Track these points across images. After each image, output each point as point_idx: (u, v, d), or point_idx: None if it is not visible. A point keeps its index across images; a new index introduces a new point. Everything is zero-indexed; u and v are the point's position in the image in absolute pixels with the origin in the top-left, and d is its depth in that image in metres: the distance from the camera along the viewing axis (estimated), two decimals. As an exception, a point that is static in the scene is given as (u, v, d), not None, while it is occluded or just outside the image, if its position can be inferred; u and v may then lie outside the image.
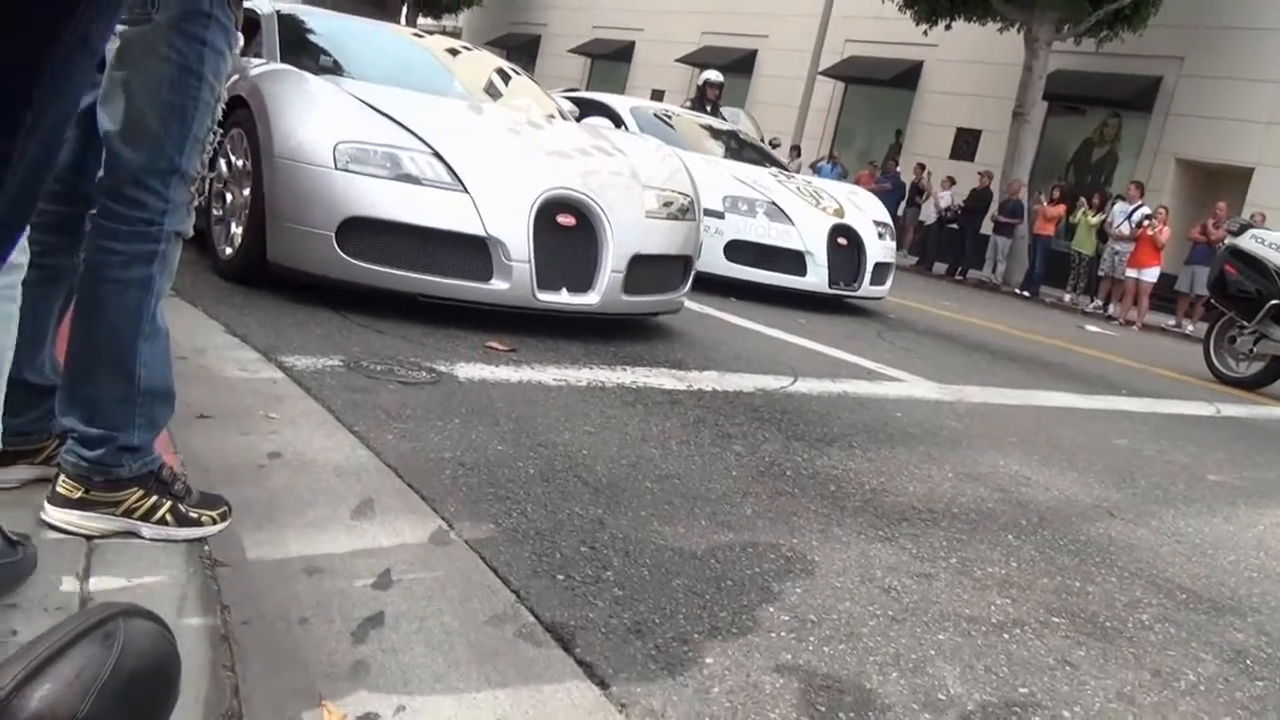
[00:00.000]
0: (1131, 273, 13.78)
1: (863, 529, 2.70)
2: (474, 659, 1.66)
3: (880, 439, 3.76)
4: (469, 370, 3.62)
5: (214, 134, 1.74)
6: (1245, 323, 7.64)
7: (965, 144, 20.01)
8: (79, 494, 1.64)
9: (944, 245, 17.29)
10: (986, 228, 16.55)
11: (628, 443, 3.10)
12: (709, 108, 10.99)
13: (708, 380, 4.22)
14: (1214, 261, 9.46)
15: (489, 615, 1.82)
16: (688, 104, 11.58)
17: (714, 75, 11.58)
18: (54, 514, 1.62)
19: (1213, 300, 8.22)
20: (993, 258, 16.21)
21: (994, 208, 16.49)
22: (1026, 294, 15.27)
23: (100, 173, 1.64)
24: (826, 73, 20.62)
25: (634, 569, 2.17)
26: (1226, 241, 8.76)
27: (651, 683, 1.71)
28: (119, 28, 1.60)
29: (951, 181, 17.63)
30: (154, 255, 1.65)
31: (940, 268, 16.97)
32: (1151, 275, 13.64)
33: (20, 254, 1.30)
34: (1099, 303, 14.74)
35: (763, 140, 11.24)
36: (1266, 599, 2.78)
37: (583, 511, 2.45)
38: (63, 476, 1.65)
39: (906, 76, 20.90)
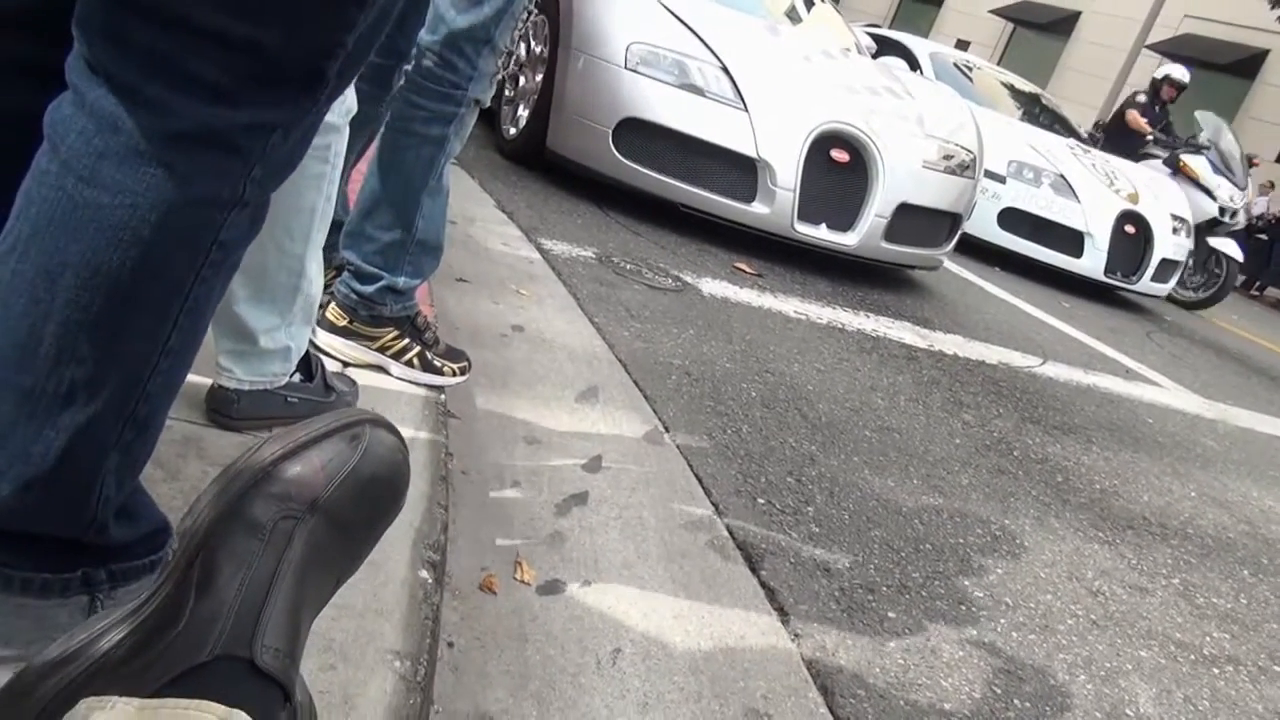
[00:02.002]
0: None
1: (1082, 526, 2.57)
2: (663, 556, 1.72)
3: (1123, 440, 3.53)
4: (713, 286, 3.65)
5: (529, 14, 1.82)
6: None
7: (1298, 149, 18.00)
8: (344, 323, 1.79)
9: (1246, 254, 15.74)
10: (1300, 244, 14.94)
11: (855, 388, 3.06)
12: (1159, 108, 9.29)
13: (951, 344, 4.08)
14: None
15: (685, 520, 1.87)
16: (1140, 97, 9.50)
17: (1177, 72, 9.38)
18: (321, 336, 1.79)
19: None
20: (1300, 278, 14.65)
21: (1315, 224, 14.83)
22: (1331, 325, 13.74)
23: (423, 32, 1.75)
24: (1154, 47, 18.93)
25: (835, 510, 2.16)
26: None
27: (829, 622, 1.72)
28: None
29: (1271, 186, 15.95)
30: (453, 117, 1.76)
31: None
32: None
33: (341, 116, 1.41)
34: None
35: (1242, 161, 9.21)
36: None
37: (796, 444, 2.46)
38: (334, 304, 1.80)
39: (1246, 64, 18.91)
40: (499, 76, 1.85)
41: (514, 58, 4.74)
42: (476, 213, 3.47)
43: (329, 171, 1.42)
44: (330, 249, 1.94)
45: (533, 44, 4.65)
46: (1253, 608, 2.45)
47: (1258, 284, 15.07)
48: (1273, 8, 15.73)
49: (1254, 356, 7.48)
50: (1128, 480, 3.09)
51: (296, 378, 1.51)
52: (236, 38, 0.75)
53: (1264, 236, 15.52)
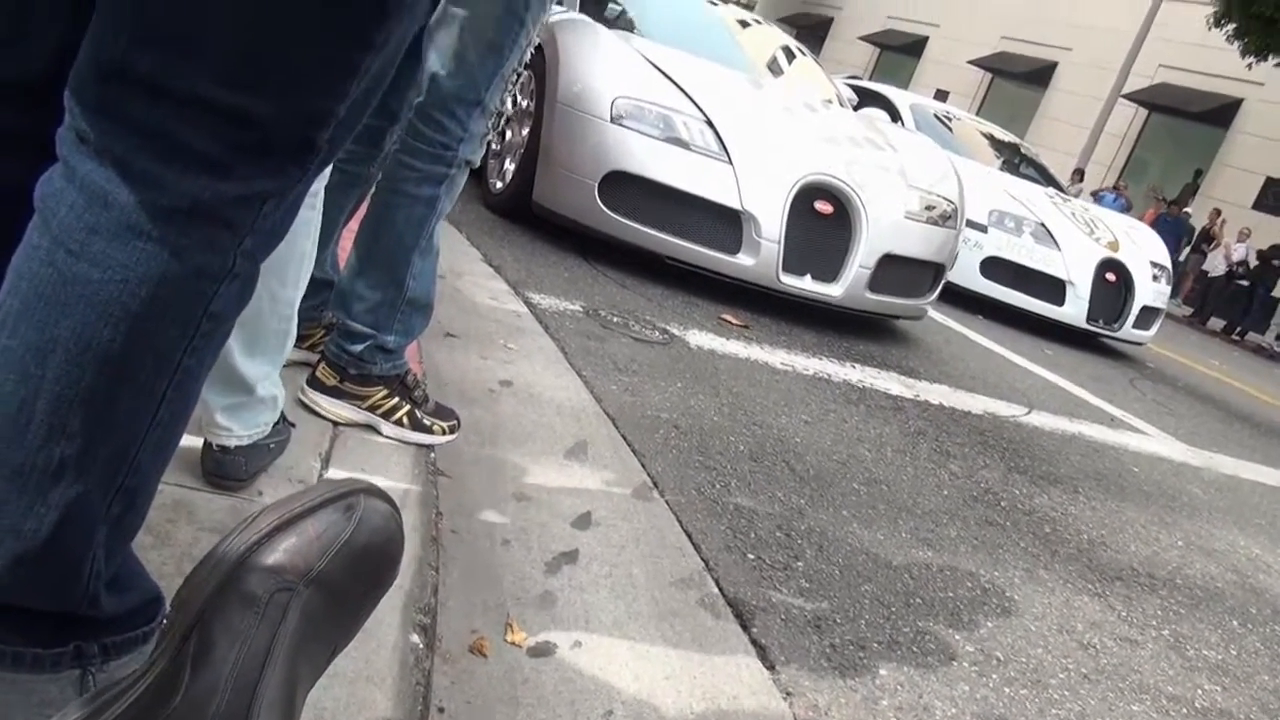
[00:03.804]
0: None
1: (1071, 578, 2.57)
2: (653, 614, 1.71)
3: (1110, 490, 3.55)
4: (700, 338, 3.67)
5: (518, 75, 1.85)
6: None
7: (1273, 196, 18.26)
8: (333, 382, 1.80)
9: (1226, 300, 15.94)
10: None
11: (842, 440, 3.07)
12: None
13: (937, 393, 4.10)
14: None
15: (675, 577, 1.86)
16: None
17: None
18: (311, 395, 1.79)
19: None
20: None
21: (1292, 270, 15.02)
22: (1311, 369, 13.87)
23: (414, 94, 1.78)
24: (1130, 96, 19.29)
25: (825, 565, 2.16)
26: None
27: (820, 679, 1.71)
28: None
29: (1249, 233, 16.17)
30: (444, 178, 1.78)
31: (1217, 324, 15.66)
32: None
33: None
34: (1396, 394, 13.17)
35: None
36: None
37: (785, 498, 2.46)
38: (323, 364, 1.81)
39: (1220, 113, 19.24)
40: (489, 137, 1.88)
41: (502, 115, 4.78)
42: (464, 267, 3.48)
43: (315, 217, 1.46)
44: (320, 308, 1.95)
45: (519, 98, 4.70)
46: (1243, 659, 2.45)
47: (1239, 330, 15.21)
48: (1244, 57, 16.02)
49: (1236, 402, 7.54)
50: (1115, 530, 3.10)
51: None
52: (229, 108, 0.76)
53: (1244, 283, 15.73)
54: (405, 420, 1.83)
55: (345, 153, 1.81)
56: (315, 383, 1.80)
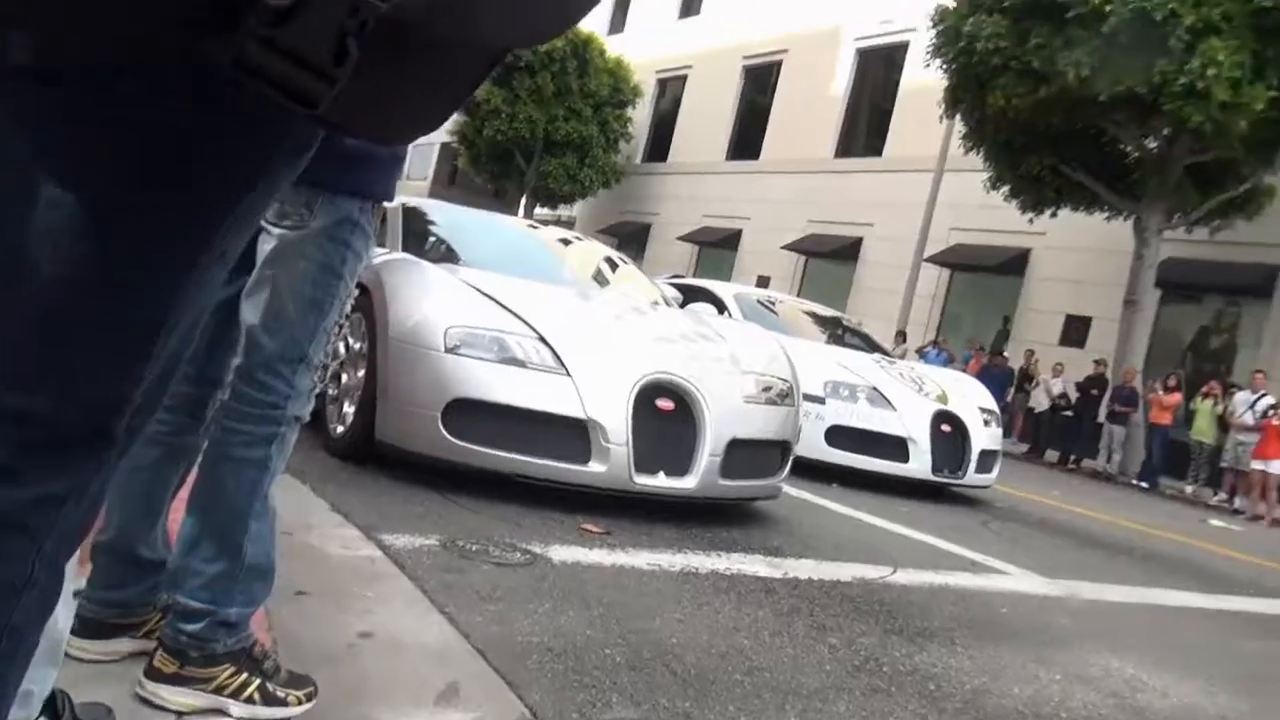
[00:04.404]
0: (1258, 465, 13.13)
1: (962, 734, 2.57)
2: None
3: (984, 635, 3.61)
4: (563, 552, 3.63)
5: (340, 326, 1.87)
6: None
7: (1075, 331, 19.71)
8: (173, 669, 1.69)
9: (1056, 432, 16.85)
10: (1102, 416, 16.12)
11: (718, 631, 3.05)
12: None
13: (804, 568, 4.15)
14: None
15: (566, 811, 1.78)
16: None
17: None
18: (150, 688, 1.67)
19: None
20: (1107, 446, 15.70)
21: (1108, 395, 16.08)
22: (1144, 485, 14.66)
23: (236, 358, 1.77)
24: (932, 259, 20.78)
25: (718, 768, 2.10)
26: None
27: None
28: (277, 231, 1.76)
29: (1061, 368, 17.34)
30: (274, 437, 1.76)
31: (1052, 455, 16.48)
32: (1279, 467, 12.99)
33: None
34: (1224, 496, 14.04)
35: None
36: None
37: (669, 704, 2.40)
38: (161, 651, 1.70)
39: (1013, 263, 20.87)
40: (317, 390, 1.87)
41: (328, 368, 4.78)
42: (311, 519, 3.38)
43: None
44: (154, 590, 1.86)
45: (352, 341, 4.72)
46: (1138, 785, 2.47)
47: (1073, 458, 16.04)
48: (1023, 213, 17.56)
49: (1084, 528, 7.87)
50: (995, 675, 3.14)
51: None
52: (8, 410, 0.74)
53: (1069, 413, 16.69)
54: (256, 696, 1.73)
55: (167, 425, 1.77)
56: (154, 673, 1.69)
